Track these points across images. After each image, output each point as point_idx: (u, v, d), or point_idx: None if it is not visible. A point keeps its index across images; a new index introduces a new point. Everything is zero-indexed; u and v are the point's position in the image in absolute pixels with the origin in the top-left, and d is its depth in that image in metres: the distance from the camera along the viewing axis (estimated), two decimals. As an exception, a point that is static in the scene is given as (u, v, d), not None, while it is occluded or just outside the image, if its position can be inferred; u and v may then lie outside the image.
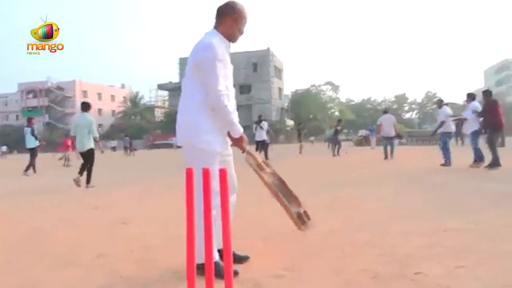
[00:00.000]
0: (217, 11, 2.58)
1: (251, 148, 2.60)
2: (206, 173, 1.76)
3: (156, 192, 6.86)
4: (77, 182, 7.69)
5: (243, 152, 2.55)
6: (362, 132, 32.34)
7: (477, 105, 9.23)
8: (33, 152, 12.60)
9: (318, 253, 2.91)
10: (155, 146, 40.73)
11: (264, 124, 14.31)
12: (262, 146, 14.12)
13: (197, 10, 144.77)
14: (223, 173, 1.73)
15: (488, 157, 8.69)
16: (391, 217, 4.10)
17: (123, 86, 76.39)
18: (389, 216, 4.13)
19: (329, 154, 16.54)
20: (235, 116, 2.48)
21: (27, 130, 12.54)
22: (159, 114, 68.25)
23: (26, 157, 13.39)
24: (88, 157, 8.02)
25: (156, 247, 3.23)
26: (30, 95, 67.23)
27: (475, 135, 9.11)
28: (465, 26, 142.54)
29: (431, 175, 8.04)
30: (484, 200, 4.82)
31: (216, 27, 2.56)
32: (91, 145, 8.04)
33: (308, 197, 5.63)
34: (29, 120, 13.03)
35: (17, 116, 67.69)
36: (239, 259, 2.60)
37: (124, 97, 69.55)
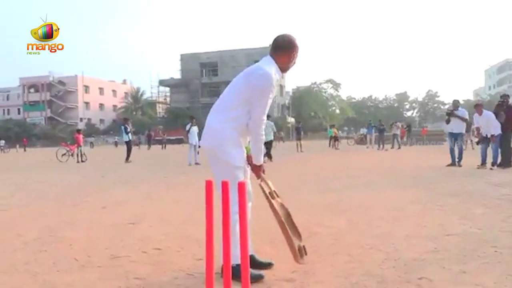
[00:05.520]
0: (277, 44, 2.64)
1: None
2: (225, 186, 1.85)
3: (164, 191, 6.96)
4: None
5: (258, 178, 2.69)
6: (363, 131, 32.39)
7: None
8: (129, 144, 15.57)
9: (326, 256, 3.00)
10: (157, 142, 40.87)
11: (272, 126, 14.58)
12: (267, 146, 13.85)
13: (199, 5, 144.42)
14: (241, 186, 1.82)
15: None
16: (394, 219, 4.19)
17: (124, 81, 76.55)
18: (392, 218, 4.22)
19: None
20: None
21: (122, 127, 15.73)
22: (160, 109, 68.32)
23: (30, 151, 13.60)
24: None
25: (168, 248, 3.33)
26: (32, 90, 67.33)
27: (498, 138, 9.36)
28: (467, 25, 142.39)
29: (432, 175, 8.18)
30: (487, 204, 4.93)
31: (273, 56, 2.63)
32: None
33: (310, 197, 5.77)
34: (125, 120, 16.65)
35: (18, 110, 67.83)
36: (263, 266, 2.69)
37: (126, 93, 69.68)
